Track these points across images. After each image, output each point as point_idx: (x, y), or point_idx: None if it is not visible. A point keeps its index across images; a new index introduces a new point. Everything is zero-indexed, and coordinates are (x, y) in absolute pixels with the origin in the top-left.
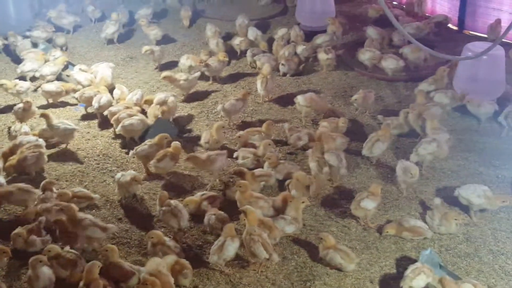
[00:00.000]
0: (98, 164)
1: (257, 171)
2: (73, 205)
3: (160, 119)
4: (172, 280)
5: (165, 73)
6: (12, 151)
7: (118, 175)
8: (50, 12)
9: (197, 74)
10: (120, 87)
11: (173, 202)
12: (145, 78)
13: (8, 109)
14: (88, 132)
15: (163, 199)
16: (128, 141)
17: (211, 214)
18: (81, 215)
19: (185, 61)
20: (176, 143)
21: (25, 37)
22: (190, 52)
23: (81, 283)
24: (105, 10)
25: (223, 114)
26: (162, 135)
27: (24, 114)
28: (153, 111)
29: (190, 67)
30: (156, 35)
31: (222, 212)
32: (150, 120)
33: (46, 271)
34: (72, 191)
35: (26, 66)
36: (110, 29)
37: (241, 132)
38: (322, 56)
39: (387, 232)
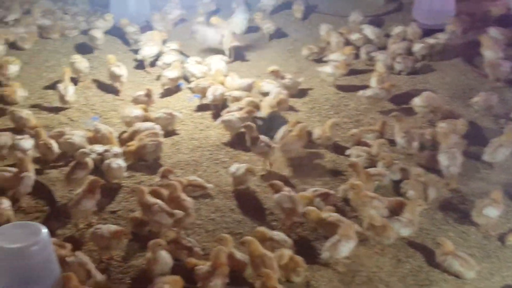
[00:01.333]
0: (211, 154)
1: (372, 170)
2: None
3: (273, 113)
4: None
5: (273, 67)
6: (131, 137)
7: (233, 167)
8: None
9: (301, 79)
10: (233, 76)
11: (287, 189)
12: (257, 71)
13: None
14: (202, 123)
15: (277, 187)
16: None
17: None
18: (151, 200)
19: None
20: (302, 124)
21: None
22: (301, 48)
23: (207, 268)
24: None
25: (368, 101)
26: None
27: (145, 101)
28: (268, 104)
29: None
30: (269, 29)
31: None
32: (263, 113)
33: (164, 255)
34: (187, 179)
35: (145, 51)
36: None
37: (354, 130)
38: None
39: (510, 241)
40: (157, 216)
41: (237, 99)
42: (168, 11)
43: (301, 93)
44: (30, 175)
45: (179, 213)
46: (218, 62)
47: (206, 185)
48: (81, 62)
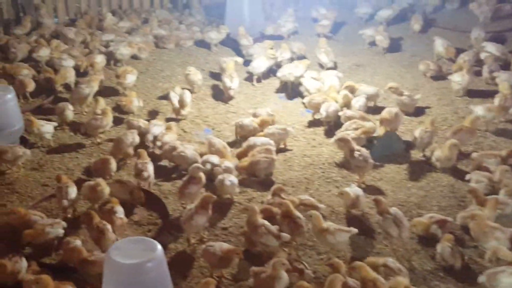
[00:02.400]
0: (323, 172)
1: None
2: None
3: (388, 132)
4: None
5: (392, 83)
6: (245, 152)
7: (347, 189)
8: (267, 29)
9: (419, 96)
10: (345, 93)
11: (393, 210)
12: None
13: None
14: (314, 139)
15: (382, 207)
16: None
17: (447, 246)
18: (259, 221)
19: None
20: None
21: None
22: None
23: None
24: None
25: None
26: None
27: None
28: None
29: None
30: (382, 42)
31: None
32: (379, 132)
33: (285, 275)
34: (299, 198)
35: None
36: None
37: (475, 154)
38: None
39: None
40: (263, 238)
41: (349, 118)
42: (282, 24)
43: (418, 111)
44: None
45: (285, 236)
46: (332, 78)
47: (318, 205)
48: (195, 74)
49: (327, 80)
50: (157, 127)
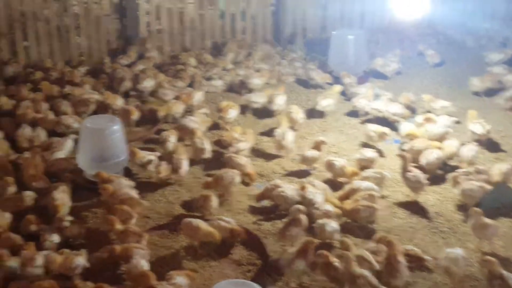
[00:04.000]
0: (429, 221)
1: None
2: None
3: (501, 184)
4: None
5: None
6: (347, 195)
7: (453, 252)
8: (378, 60)
9: None
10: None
11: (505, 274)
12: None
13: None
14: None
15: (492, 268)
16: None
17: None
18: (357, 271)
19: None
20: None
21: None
22: None
23: None
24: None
25: None
26: None
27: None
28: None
29: None
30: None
31: None
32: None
33: None
34: (404, 248)
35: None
36: None
37: None
38: None
39: None
40: None
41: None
42: (387, 63)
43: None
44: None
45: None
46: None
47: (424, 257)
48: (297, 112)
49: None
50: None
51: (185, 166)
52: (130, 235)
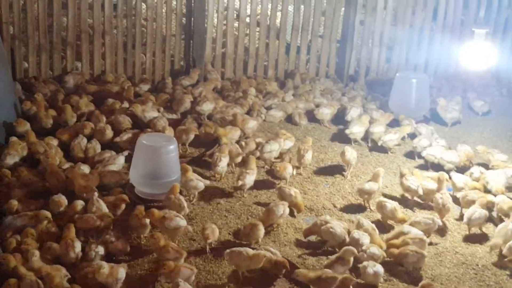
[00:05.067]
0: (476, 274)
1: None
2: None
3: None
4: None
5: None
6: (396, 237)
7: None
8: (441, 100)
9: None
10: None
11: None
12: None
13: None
14: (470, 236)
15: None
16: None
17: None
18: None
19: None
20: None
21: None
22: None
23: None
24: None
25: None
26: None
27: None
28: None
29: None
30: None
31: None
32: None
33: None
34: None
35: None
36: None
37: None
38: None
39: None
40: None
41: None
42: (448, 110)
43: None
44: None
45: None
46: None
47: None
48: (352, 153)
49: (492, 178)
50: None
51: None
52: (171, 252)
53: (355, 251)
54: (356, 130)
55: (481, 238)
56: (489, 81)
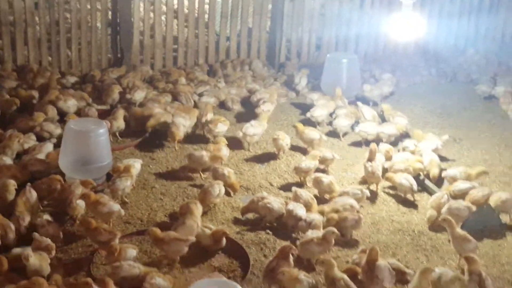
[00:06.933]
0: (412, 239)
1: None
2: None
3: (482, 208)
4: None
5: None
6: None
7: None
8: (366, 86)
9: None
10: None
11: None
12: (469, 162)
13: None
14: (404, 205)
15: (474, 266)
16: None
17: None
18: (338, 274)
19: None
20: None
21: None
22: None
23: None
24: None
25: None
26: None
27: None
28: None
29: None
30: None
31: None
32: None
33: None
34: (386, 261)
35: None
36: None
37: None
38: None
39: None
40: None
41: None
42: (379, 86)
43: None
44: None
45: None
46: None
47: (406, 270)
48: (283, 139)
49: (426, 153)
50: None
51: None
52: (103, 233)
53: (336, 231)
54: (317, 114)
55: (417, 206)
56: (417, 62)
